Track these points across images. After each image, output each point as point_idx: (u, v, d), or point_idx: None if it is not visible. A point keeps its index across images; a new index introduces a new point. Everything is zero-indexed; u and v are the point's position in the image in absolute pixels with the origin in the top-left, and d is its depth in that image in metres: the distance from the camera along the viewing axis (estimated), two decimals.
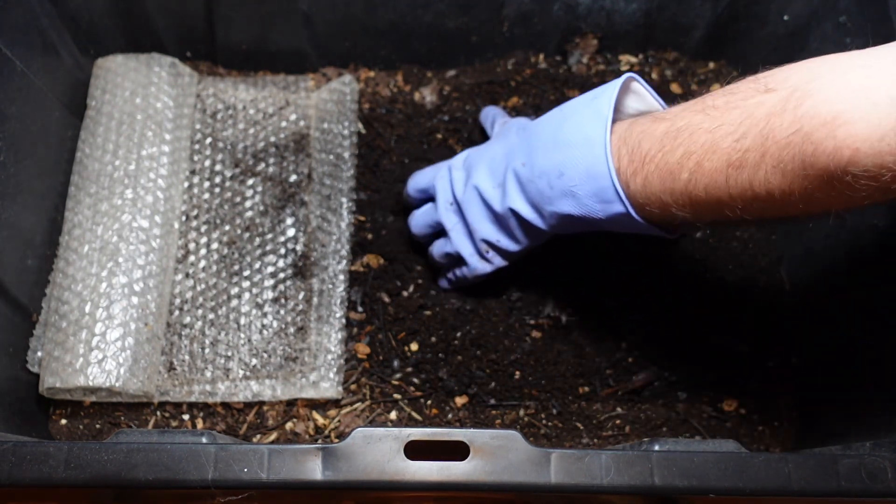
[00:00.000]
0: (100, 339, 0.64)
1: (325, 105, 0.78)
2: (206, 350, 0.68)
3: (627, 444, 0.63)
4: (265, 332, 0.69)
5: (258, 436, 0.67)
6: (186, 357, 0.68)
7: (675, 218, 0.51)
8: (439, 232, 0.69)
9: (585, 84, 0.79)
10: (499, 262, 0.65)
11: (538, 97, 0.79)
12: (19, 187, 0.65)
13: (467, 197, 0.64)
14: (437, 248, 0.69)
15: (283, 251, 0.72)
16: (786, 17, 0.75)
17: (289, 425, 0.67)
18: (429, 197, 0.70)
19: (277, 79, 0.81)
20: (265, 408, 0.68)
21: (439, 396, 0.68)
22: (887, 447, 0.55)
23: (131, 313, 0.66)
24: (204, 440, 0.47)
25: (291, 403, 0.68)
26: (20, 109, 0.65)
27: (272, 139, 0.77)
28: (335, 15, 0.77)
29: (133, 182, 0.70)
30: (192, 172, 0.75)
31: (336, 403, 0.68)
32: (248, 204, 0.74)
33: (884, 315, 0.61)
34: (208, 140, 0.77)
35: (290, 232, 0.73)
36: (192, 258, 0.72)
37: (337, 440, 0.59)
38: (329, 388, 0.67)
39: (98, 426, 0.67)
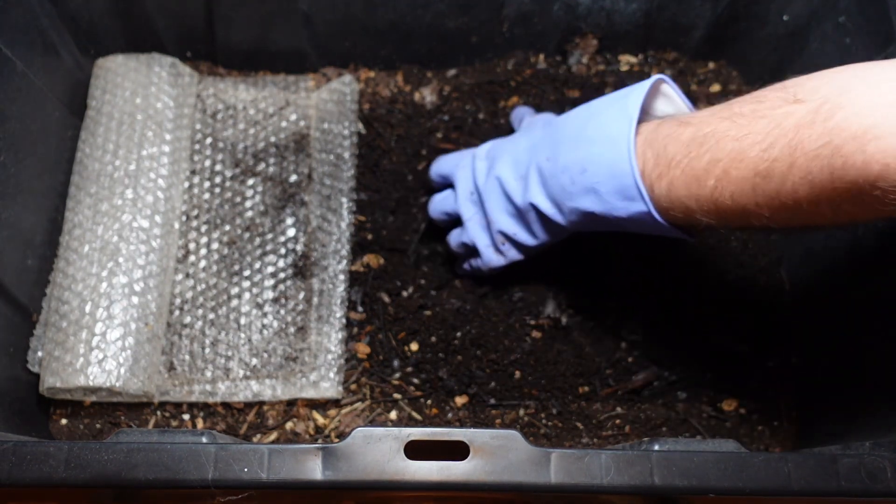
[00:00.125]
0: (100, 339, 0.64)
1: (325, 105, 0.78)
2: (207, 350, 0.68)
3: (627, 443, 0.63)
4: (265, 332, 0.69)
5: (258, 436, 0.67)
6: (187, 357, 0.68)
7: (700, 223, 0.51)
8: (457, 220, 0.69)
9: (585, 84, 0.79)
10: (514, 255, 0.65)
11: (538, 97, 0.79)
12: (19, 187, 0.65)
13: (488, 187, 0.64)
14: (454, 237, 0.69)
15: (283, 251, 0.72)
16: (786, 17, 0.75)
17: (289, 425, 0.67)
18: (450, 183, 0.70)
19: (277, 79, 0.81)
20: (265, 408, 0.68)
21: (439, 396, 0.68)
22: (887, 447, 0.55)
23: (131, 313, 0.66)
24: (204, 440, 0.47)
25: (291, 403, 0.68)
26: (20, 109, 0.65)
27: (272, 139, 0.77)
28: (335, 15, 0.77)
29: (133, 182, 0.70)
30: (193, 172, 0.75)
31: (336, 403, 0.68)
32: (248, 204, 0.74)
33: (884, 315, 0.61)
34: (208, 140, 0.77)
35: (291, 232, 0.73)
36: (192, 258, 0.72)
37: (337, 440, 0.59)
38: (329, 387, 0.67)
39: (98, 426, 0.67)
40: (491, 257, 0.66)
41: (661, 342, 0.69)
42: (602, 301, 0.70)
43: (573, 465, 0.45)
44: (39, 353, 0.66)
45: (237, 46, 0.80)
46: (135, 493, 0.47)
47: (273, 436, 0.67)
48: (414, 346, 0.69)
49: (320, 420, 0.67)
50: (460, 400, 0.68)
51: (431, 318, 0.70)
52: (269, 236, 0.73)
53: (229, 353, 0.68)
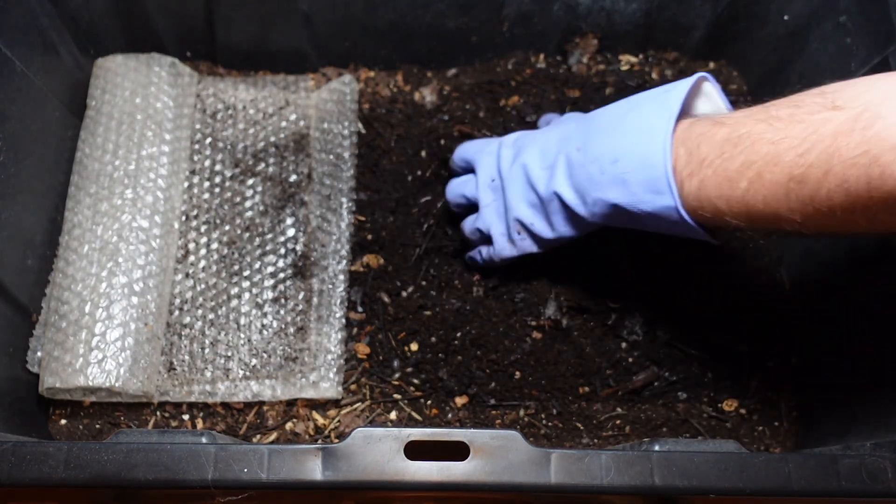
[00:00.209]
0: (100, 339, 0.64)
1: (325, 105, 0.78)
2: (206, 350, 0.68)
3: (627, 444, 0.63)
4: (265, 332, 0.69)
5: (258, 436, 0.67)
6: (186, 357, 0.68)
7: (728, 225, 0.51)
8: (473, 206, 0.68)
9: (585, 84, 0.79)
10: (527, 246, 0.65)
11: (538, 97, 0.79)
12: (19, 187, 0.65)
13: (512, 174, 0.63)
14: (469, 223, 0.69)
15: (283, 251, 0.72)
16: (786, 17, 0.75)
17: (289, 425, 0.67)
18: (471, 169, 0.69)
19: (277, 79, 0.81)
20: (265, 408, 0.68)
21: (439, 396, 0.68)
22: (887, 447, 0.55)
23: (131, 313, 0.66)
24: (204, 440, 0.47)
25: (291, 403, 0.68)
26: (20, 109, 0.65)
27: (272, 139, 0.77)
28: (335, 15, 0.77)
29: (133, 182, 0.70)
30: (192, 172, 0.75)
31: (336, 403, 0.68)
32: (248, 204, 0.74)
33: (884, 315, 0.61)
34: (208, 140, 0.77)
35: (290, 232, 0.73)
36: (192, 258, 0.72)
37: (337, 440, 0.59)
38: (329, 388, 0.67)
39: (98, 426, 0.67)
40: (504, 246, 0.65)
41: (661, 342, 0.69)
42: (602, 301, 0.70)
43: (573, 465, 0.45)
44: (39, 354, 0.66)
45: (237, 46, 0.80)
46: (134, 493, 0.47)
47: (273, 436, 0.67)
48: (414, 347, 0.69)
49: (320, 420, 0.67)
50: (460, 400, 0.68)
51: (431, 318, 0.70)
52: (269, 236, 0.73)
53: (229, 354, 0.68)
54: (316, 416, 0.67)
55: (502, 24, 0.79)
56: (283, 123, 0.78)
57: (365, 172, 0.77)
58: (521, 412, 0.68)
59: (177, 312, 0.69)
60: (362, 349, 0.69)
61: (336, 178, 0.75)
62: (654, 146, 0.52)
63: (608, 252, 0.72)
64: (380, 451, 0.45)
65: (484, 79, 0.80)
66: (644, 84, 0.79)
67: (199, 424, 0.67)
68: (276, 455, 0.45)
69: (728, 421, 0.68)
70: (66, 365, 0.63)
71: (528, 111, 0.77)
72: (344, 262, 0.72)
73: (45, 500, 0.49)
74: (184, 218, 0.73)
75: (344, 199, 0.74)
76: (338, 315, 0.70)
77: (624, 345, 0.70)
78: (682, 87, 0.54)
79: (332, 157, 0.76)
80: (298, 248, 0.72)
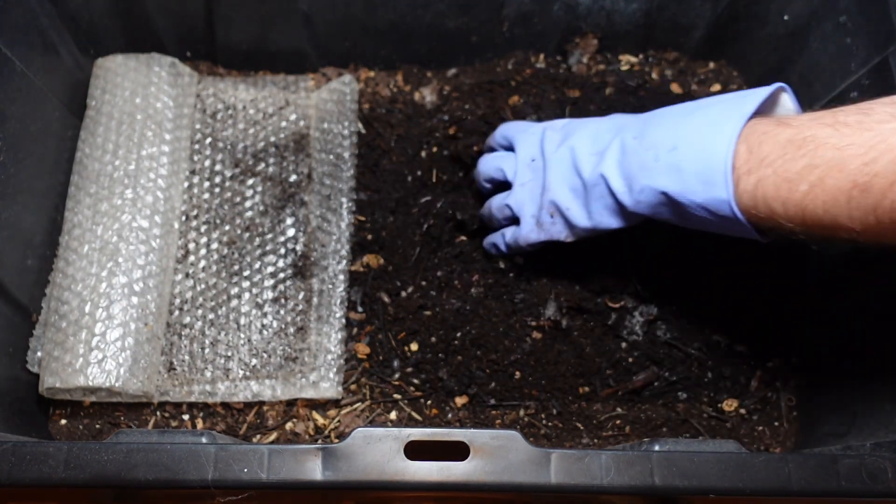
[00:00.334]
0: (100, 339, 0.64)
1: (325, 105, 0.78)
2: (206, 350, 0.68)
3: (627, 444, 0.63)
4: (265, 332, 0.69)
5: (258, 436, 0.67)
6: (186, 357, 0.68)
7: (781, 228, 0.50)
8: (503, 185, 0.67)
9: (585, 84, 0.79)
10: (556, 232, 0.63)
11: (538, 97, 0.78)
12: (19, 187, 0.65)
13: (557, 156, 0.62)
14: (498, 199, 0.67)
15: (283, 251, 0.72)
16: (786, 17, 0.75)
17: (289, 425, 0.67)
18: (510, 147, 0.68)
19: (277, 79, 0.81)
20: (265, 408, 0.68)
21: (439, 396, 0.68)
22: (887, 447, 0.55)
23: (131, 313, 0.66)
24: (204, 440, 0.47)
25: (291, 403, 0.68)
26: (20, 109, 0.65)
27: (272, 139, 0.77)
28: (335, 15, 0.77)
29: (133, 182, 0.70)
30: (192, 172, 0.75)
31: (336, 403, 0.68)
32: (248, 204, 0.74)
33: (884, 315, 0.61)
34: (208, 140, 0.77)
35: (290, 232, 0.73)
36: (192, 258, 0.72)
37: (337, 440, 0.59)
38: (329, 388, 0.67)
39: (98, 426, 0.67)
40: (532, 229, 0.64)
41: (661, 342, 0.69)
42: (602, 301, 0.70)
43: (573, 465, 0.45)
44: (39, 354, 0.66)
45: (237, 46, 0.80)
46: (135, 493, 0.47)
47: (273, 436, 0.67)
48: (414, 347, 0.69)
49: (320, 420, 0.67)
50: (460, 400, 0.68)
51: (431, 318, 0.70)
52: (269, 236, 0.73)
53: (229, 354, 0.68)
54: (316, 416, 0.67)
55: (502, 24, 0.79)
56: (283, 123, 0.78)
57: (365, 172, 0.77)
58: (521, 412, 0.68)
59: (177, 312, 0.69)
60: (362, 349, 0.69)
61: (336, 178, 0.75)
62: (719, 138, 0.51)
63: (608, 252, 0.72)
64: (380, 451, 0.45)
65: (484, 79, 0.80)
66: (644, 84, 0.79)
67: (199, 424, 0.67)
68: (276, 455, 0.45)
69: (728, 421, 0.68)
70: (66, 365, 0.63)
71: (528, 111, 0.77)
72: (344, 262, 0.72)
73: (45, 500, 0.49)
74: (184, 218, 0.73)
75: (344, 199, 0.74)
76: (338, 315, 0.70)
77: (624, 345, 0.70)
78: (761, 92, 0.53)
79: (332, 157, 0.76)
80: (298, 248, 0.72)
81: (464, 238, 0.73)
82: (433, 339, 0.69)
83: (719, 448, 0.48)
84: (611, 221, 0.60)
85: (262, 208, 0.74)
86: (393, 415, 0.68)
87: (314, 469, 0.45)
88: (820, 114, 0.49)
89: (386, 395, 0.68)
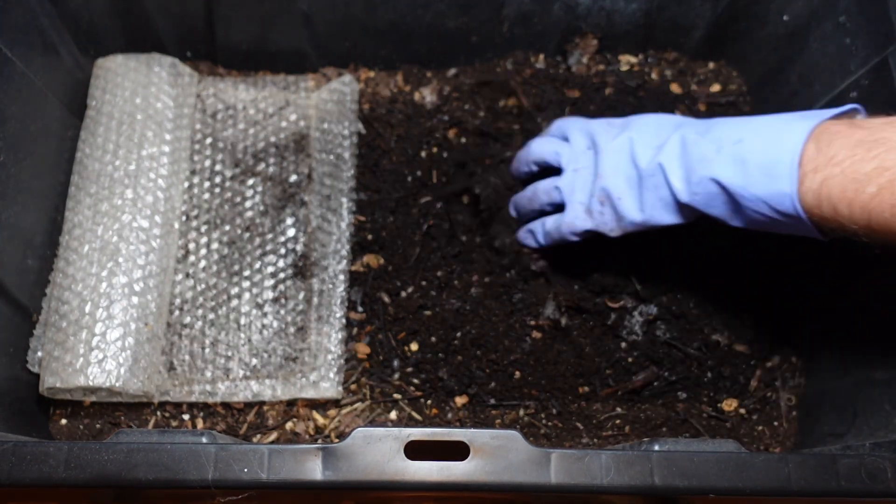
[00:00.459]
0: (100, 339, 0.64)
1: (325, 105, 0.78)
2: (206, 350, 0.68)
3: (627, 444, 0.63)
4: (265, 332, 0.69)
5: (258, 436, 0.67)
6: (186, 357, 0.68)
7: (844, 230, 0.49)
8: (550, 170, 0.66)
9: (585, 84, 0.79)
10: (605, 222, 0.62)
11: (538, 97, 0.79)
12: (19, 187, 0.65)
13: (614, 145, 0.61)
14: (548, 181, 0.65)
15: (283, 251, 0.72)
16: (786, 17, 0.75)
17: (289, 425, 0.67)
18: (565, 138, 0.67)
19: (277, 79, 0.81)
20: (265, 408, 0.68)
21: (439, 396, 0.68)
22: (887, 447, 0.55)
23: (131, 313, 0.66)
24: (204, 440, 0.47)
25: (291, 403, 0.68)
26: (20, 109, 0.65)
27: (272, 139, 0.77)
28: (335, 15, 0.77)
29: (133, 182, 0.70)
30: (192, 172, 0.75)
31: (336, 403, 0.68)
32: (248, 204, 0.74)
33: (884, 315, 0.61)
34: (208, 140, 0.77)
35: (290, 232, 0.73)
36: (192, 258, 0.72)
37: (337, 440, 0.59)
38: (329, 388, 0.67)
39: (98, 426, 0.67)
40: (579, 215, 0.63)
41: (661, 342, 0.69)
42: (602, 301, 0.70)
43: (573, 465, 0.45)
44: (39, 354, 0.66)
45: (237, 46, 0.80)
46: (135, 493, 0.47)
47: (273, 436, 0.67)
48: (414, 346, 0.69)
49: (320, 420, 0.67)
50: (460, 400, 0.68)
51: (431, 318, 0.70)
52: (269, 236, 0.73)
53: (229, 354, 0.68)
54: (316, 415, 0.67)
55: (502, 24, 0.79)
56: (283, 123, 0.78)
57: (365, 172, 0.77)
58: (521, 412, 0.68)
59: (177, 312, 0.70)
60: (362, 349, 0.69)
61: (336, 178, 0.75)
62: (788, 134, 0.50)
63: (608, 252, 0.72)
64: (380, 451, 0.45)
65: (484, 79, 0.80)
66: (644, 84, 0.79)
67: (200, 424, 0.67)
68: (277, 455, 0.45)
69: (728, 421, 0.68)
70: (66, 365, 0.63)
71: (528, 111, 0.77)
72: (344, 262, 0.72)
73: (45, 500, 0.49)
74: (184, 218, 0.73)
75: (344, 199, 0.74)
76: (338, 315, 0.70)
77: (623, 345, 0.70)
78: (837, 110, 0.53)
79: (332, 157, 0.76)
80: (298, 248, 0.72)
81: (464, 238, 0.74)
82: (433, 338, 0.69)
83: (719, 448, 0.48)
84: (663, 216, 0.59)
85: (262, 208, 0.74)
86: (393, 415, 0.68)
87: (314, 469, 0.45)
88: (894, 118, 0.48)
89: (386, 395, 0.68)
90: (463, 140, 0.78)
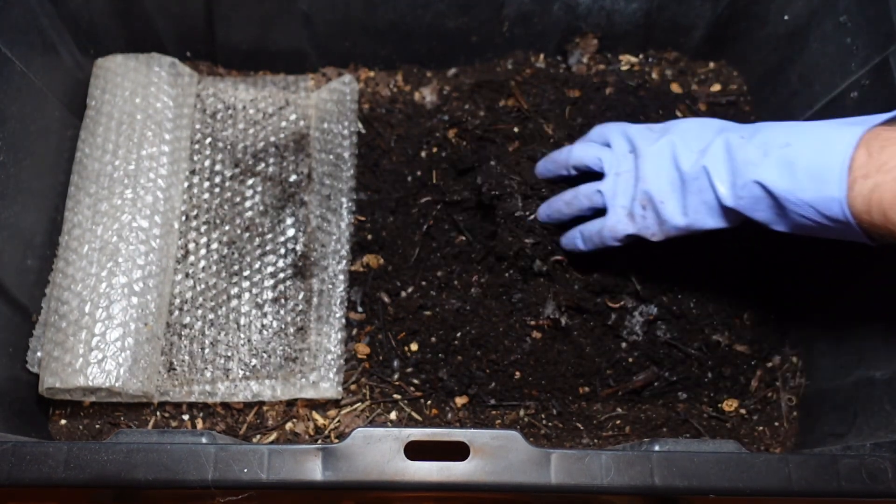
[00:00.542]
0: (99, 339, 0.64)
1: (325, 105, 0.78)
2: (206, 350, 0.68)
3: (627, 444, 0.63)
4: (265, 332, 0.69)
5: (258, 436, 0.67)
6: (186, 357, 0.68)
7: (894, 237, 0.49)
8: (591, 175, 0.65)
9: (585, 84, 0.79)
10: (647, 226, 0.61)
11: (538, 97, 0.78)
12: (19, 187, 0.65)
13: (656, 148, 0.60)
14: (591, 185, 0.64)
15: (283, 251, 0.72)
16: (786, 17, 0.75)
17: (289, 425, 0.67)
18: (607, 144, 0.66)
19: (277, 79, 0.81)
20: (265, 408, 0.68)
21: (439, 396, 0.68)
22: (887, 447, 0.55)
23: (131, 313, 0.66)
24: (204, 440, 0.47)
25: (291, 403, 0.68)
26: (20, 109, 0.65)
27: (272, 139, 0.77)
28: (335, 15, 0.77)
29: (133, 182, 0.70)
30: (192, 172, 0.75)
31: (336, 403, 0.68)
32: (248, 204, 0.74)
33: (884, 315, 0.61)
34: (208, 140, 0.77)
35: (290, 232, 0.73)
36: (191, 258, 0.72)
37: (337, 440, 0.59)
38: (329, 388, 0.67)
39: (98, 426, 0.67)
40: (620, 219, 0.62)
41: (661, 342, 0.69)
42: (602, 301, 0.70)
43: (573, 465, 0.45)
44: (39, 354, 0.66)
45: (237, 46, 0.80)
46: (135, 493, 0.47)
47: (273, 436, 0.67)
48: (414, 347, 0.69)
49: (320, 420, 0.67)
50: (460, 400, 0.68)
51: (431, 318, 0.70)
52: (269, 236, 0.73)
53: (229, 354, 0.68)
54: (316, 416, 0.67)
55: (502, 24, 0.79)
56: (283, 123, 0.78)
57: (365, 172, 0.77)
58: (521, 412, 0.68)
59: (177, 312, 0.69)
60: (362, 349, 0.69)
61: (336, 178, 0.75)
62: (838, 138, 0.50)
63: (607, 252, 0.72)
64: (380, 451, 0.45)
65: (484, 79, 0.80)
66: (644, 84, 0.79)
67: (199, 424, 0.67)
68: (276, 455, 0.45)
69: (728, 421, 0.68)
70: (66, 365, 0.63)
71: (527, 111, 0.77)
72: (344, 262, 0.72)
73: (45, 500, 0.49)
74: (184, 218, 0.73)
75: (344, 199, 0.74)
76: (338, 315, 0.70)
77: (624, 345, 0.70)
78: (885, 116, 0.52)
79: (332, 157, 0.76)
80: (298, 248, 0.72)
81: (463, 238, 0.73)
82: (433, 339, 0.69)
83: (719, 448, 0.48)
84: (706, 220, 0.58)
85: (262, 208, 0.74)
86: (393, 415, 0.68)
87: (314, 469, 0.45)
88: None
89: (386, 395, 0.68)
90: (464, 139, 0.78)
